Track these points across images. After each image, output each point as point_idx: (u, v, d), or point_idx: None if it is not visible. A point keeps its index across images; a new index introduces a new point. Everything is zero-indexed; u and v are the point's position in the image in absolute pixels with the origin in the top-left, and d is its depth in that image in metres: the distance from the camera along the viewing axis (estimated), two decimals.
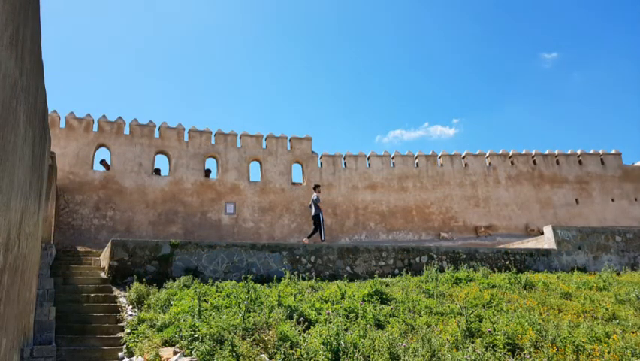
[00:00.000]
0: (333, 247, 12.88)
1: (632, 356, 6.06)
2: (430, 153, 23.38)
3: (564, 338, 6.55)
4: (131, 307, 9.35)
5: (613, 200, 23.88)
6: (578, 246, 14.61)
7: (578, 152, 24.77)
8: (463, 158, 23.66)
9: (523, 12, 59.25)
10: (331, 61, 62.21)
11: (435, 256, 13.18)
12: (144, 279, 10.31)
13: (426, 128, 62.48)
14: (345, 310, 8.20)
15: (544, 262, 14.00)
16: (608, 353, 6.12)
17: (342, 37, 61.68)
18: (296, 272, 11.30)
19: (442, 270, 12.34)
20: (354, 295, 9.15)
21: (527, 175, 23.71)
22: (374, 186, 22.15)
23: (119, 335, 8.28)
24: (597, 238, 14.87)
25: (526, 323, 7.14)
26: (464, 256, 13.26)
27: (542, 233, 15.69)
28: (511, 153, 24.05)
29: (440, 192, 22.60)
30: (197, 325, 7.30)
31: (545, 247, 14.68)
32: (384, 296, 9.23)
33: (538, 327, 6.95)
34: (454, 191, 22.72)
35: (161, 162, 42.23)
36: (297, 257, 12.17)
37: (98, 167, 19.49)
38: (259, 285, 9.76)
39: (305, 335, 7.05)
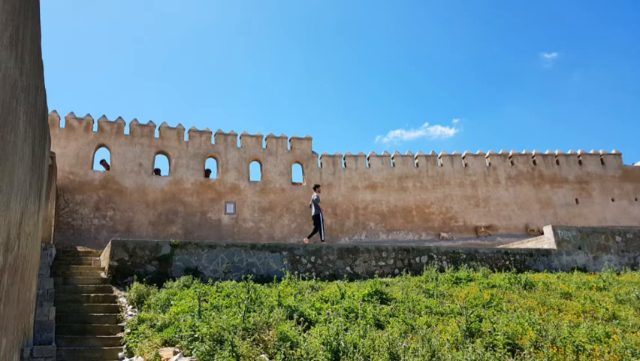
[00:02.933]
0: (333, 247, 12.88)
1: (632, 356, 6.05)
2: (430, 153, 23.37)
3: (564, 338, 6.55)
4: (131, 307, 9.35)
5: (613, 200, 23.88)
6: (578, 246, 14.60)
7: (578, 152, 24.76)
8: (463, 158, 23.66)
9: (523, 12, 59.25)
10: (331, 61, 62.22)
11: (435, 256, 13.18)
12: (144, 279, 10.31)
13: (426, 128, 62.51)
14: (345, 310, 8.20)
15: (544, 262, 14.00)
16: (608, 353, 6.12)
17: (342, 37, 61.70)
18: (296, 272, 11.30)
19: (442, 270, 12.33)
20: (354, 295, 9.15)
21: (527, 175, 23.71)
22: (374, 186, 22.15)
23: (119, 334, 8.28)
24: (597, 238, 14.86)
25: (526, 323, 7.13)
26: (464, 256, 13.26)
27: (542, 233, 15.69)
28: (510, 153, 24.05)
29: (440, 192, 22.60)
30: (197, 325, 7.30)
31: (545, 246, 14.67)
32: (384, 296, 9.23)
33: (538, 327, 6.95)
34: (454, 191, 22.72)
35: (161, 162, 42.18)
36: (297, 257, 12.17)
37: (98, 167, 19.49)
38: (259, 285, 9.76)
39: (305, 334, 7.05)
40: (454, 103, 63.15)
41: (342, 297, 9.13)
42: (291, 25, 61.55)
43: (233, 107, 62.74)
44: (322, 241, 14.09)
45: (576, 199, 23.62)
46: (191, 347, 6.86)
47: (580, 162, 24.51)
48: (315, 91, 63.30)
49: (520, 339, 6.65)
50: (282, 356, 6.24)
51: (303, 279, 10.88)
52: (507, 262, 13.50)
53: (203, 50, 60.04)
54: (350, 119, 63.96)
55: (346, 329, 7.14)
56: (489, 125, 62.19)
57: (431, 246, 14.47)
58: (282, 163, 21.52)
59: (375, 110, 64.82)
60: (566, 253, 14.39)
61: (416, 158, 23.20)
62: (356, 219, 21.43)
